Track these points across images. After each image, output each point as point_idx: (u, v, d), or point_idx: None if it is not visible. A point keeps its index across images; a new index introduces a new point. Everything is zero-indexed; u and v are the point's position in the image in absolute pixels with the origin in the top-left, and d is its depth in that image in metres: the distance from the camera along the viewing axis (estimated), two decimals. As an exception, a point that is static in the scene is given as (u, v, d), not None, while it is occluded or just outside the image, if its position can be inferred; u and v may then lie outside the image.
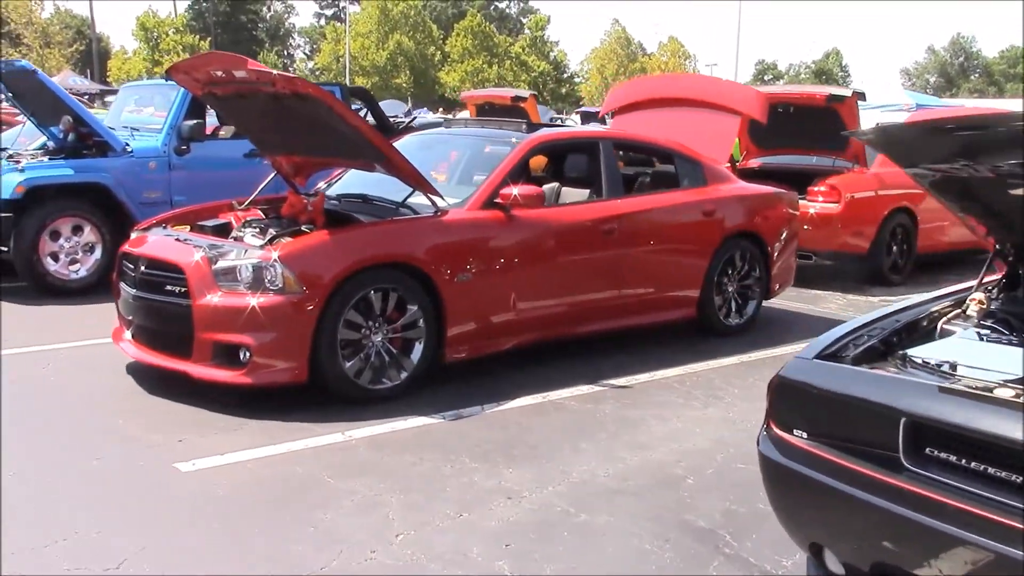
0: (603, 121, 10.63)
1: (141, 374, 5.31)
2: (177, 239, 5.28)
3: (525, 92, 15.21)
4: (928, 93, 48.44)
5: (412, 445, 4.41)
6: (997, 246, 3.21)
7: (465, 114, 15.74)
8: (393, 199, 5.50)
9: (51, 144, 8.27)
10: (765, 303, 7.09)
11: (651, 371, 5.77)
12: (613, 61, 61.03)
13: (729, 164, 8.32)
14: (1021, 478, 2.21)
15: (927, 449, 2.41)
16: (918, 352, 2.73)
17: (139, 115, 8.85)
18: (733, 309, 6.76)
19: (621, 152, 7.06)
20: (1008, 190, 2.77)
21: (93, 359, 5.68)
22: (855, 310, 7.77)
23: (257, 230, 5.29)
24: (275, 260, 4.73)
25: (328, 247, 4.90)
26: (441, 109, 38.84)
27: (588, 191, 6.24)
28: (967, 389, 2.40)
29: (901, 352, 2.74)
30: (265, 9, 70.88)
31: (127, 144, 7.94)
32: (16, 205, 7.26)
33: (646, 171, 7.23)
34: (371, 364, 4.96)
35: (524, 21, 70.01)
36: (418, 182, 5.28)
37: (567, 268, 5.78)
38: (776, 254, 6.94)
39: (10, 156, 7.96)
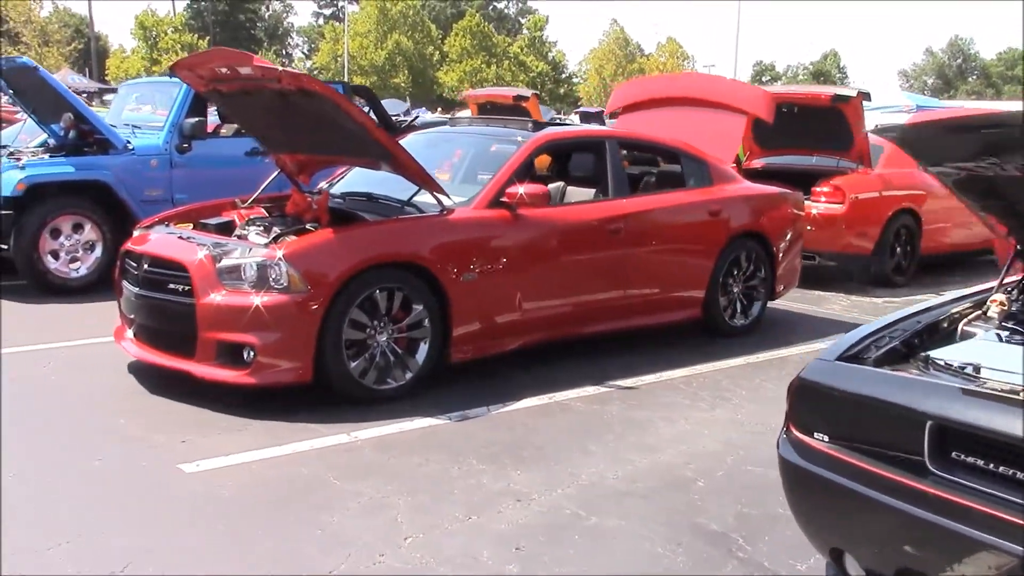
0: (603, 121, 10.59)
1: (143, 373, 5.25)
2: (180, 237, 5.22)
3: (527, 91, 15.15)
4: (926, 94, 48.50)
5: (418, 446, 4.36)
6: (1019, 246, 3.16)
7: (466, 113, 15.70)
8: (398, 197, 5.45)
9: (52, 141, 8.22)
10: (769, 304, 7.05)
11: (657, 372, 5.72)
12: (611, 62, 61.04)
13: (734, 164, 8.27)
14: (1050, 482, 2.17)
15: (953, 453, 2.37)
16: (940, 354, 2.69)
17: (140, 113, 8.80)
18: (738, 310, 6.71)
19: (626, 151, 7.02)
20: None
21: (94, 358, 5.63)
22: (859, 311, 7.75)
23: (261, 228, 5.24)
24: (280, 259, 4.67)
25: (333, 246, 4.85)
26: (439, 109, 38.79)
27: (594, 190, 6.20)
28: (994, 392, 2.36)
29: (923, 354, 2.70)
30: (264, 8, 70.85)
31: (128, 142, 7.88)
32: (17, 202, 7.21)
33: (652, 171, 7.17)
34: (376, 364, 4.92)
35: (522, 21, 70.03)
36: (424, 180, 5.23)
37: (572, 268, 5.73)
38: (781, 255, 6.89)
39: (11, 153, 7.90)
